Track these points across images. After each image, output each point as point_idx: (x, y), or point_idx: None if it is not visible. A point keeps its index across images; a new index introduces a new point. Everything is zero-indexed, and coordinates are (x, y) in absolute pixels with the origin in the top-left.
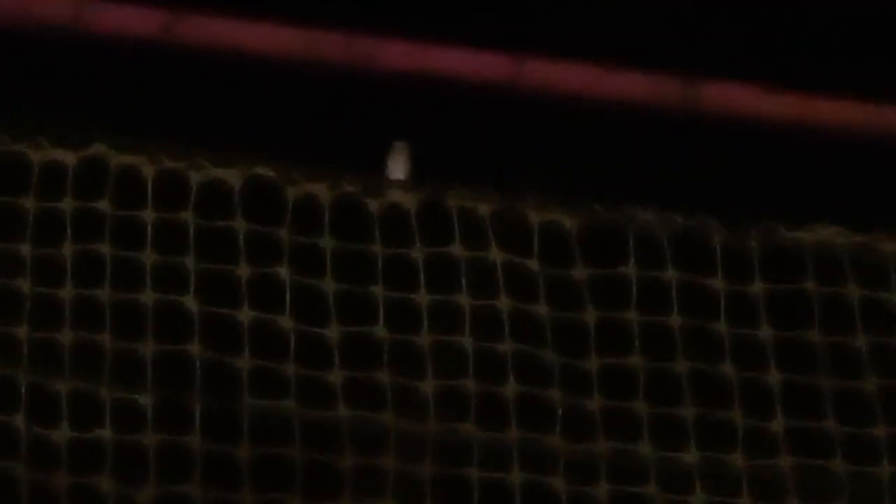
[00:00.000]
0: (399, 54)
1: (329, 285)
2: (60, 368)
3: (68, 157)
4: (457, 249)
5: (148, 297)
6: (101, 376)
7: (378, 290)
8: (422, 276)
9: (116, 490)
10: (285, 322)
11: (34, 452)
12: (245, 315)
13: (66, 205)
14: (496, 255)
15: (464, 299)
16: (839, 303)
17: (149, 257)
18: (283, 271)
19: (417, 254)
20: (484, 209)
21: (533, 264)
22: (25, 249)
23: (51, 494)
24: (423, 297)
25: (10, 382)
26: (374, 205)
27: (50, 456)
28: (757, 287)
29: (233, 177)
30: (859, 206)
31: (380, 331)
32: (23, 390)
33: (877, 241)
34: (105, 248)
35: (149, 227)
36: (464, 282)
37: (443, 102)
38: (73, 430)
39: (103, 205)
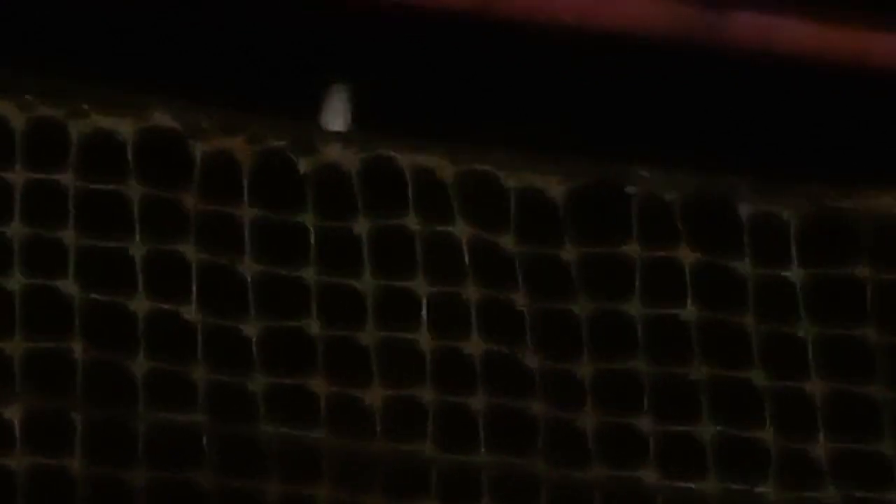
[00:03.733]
0: None
1: (249, 268)
2: None
3: None
4: (411, 222)
5: (16, 282)
6: None
7: (311, 275)
8: (366, 256)
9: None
10: (192, 315)
11: None
12: (140, 306)
13: None
14: (461, 230)
15: (420, 286)
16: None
17: (16, 231)
18: (190, 249)
19: (360, 228)
20: (446, 170)
21: (508, 241)
22: None
23: None
24: (367, 283)
25: None
26: (305, 164)
27: None
28: (795, 272)
29: (124, 127)
30: None
31: (313, 326)
32: None
33: None
34: None
35: (16, 191)
36: (420, 264)
37: (393, 33)
38: None
39: None
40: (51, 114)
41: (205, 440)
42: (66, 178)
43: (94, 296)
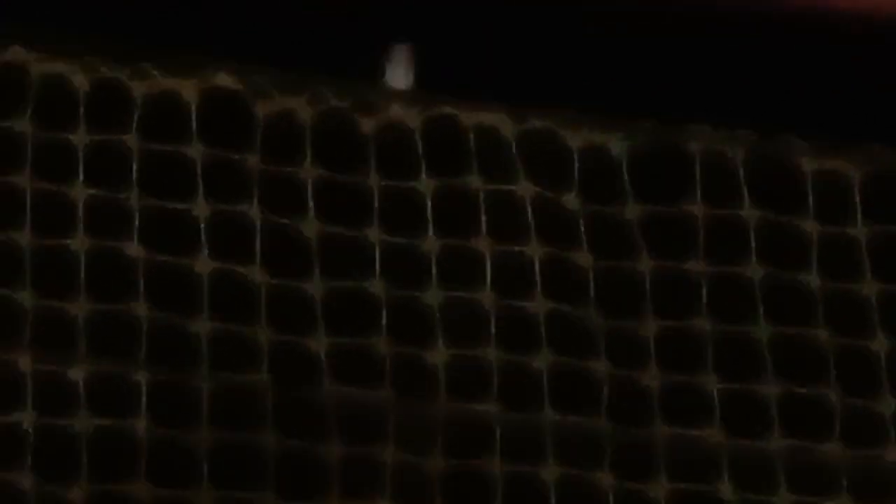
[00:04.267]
0: None
1: (311, 228)
2: None
3: None
4: (474, 181)
5: (80, 243)
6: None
7: (374, 234)
8: (429, 216)
9: None
10: (256, 275)
11: None
12: (203, 266)
13: None
14: (525, 188)
15: (484, 245)
16: None
17: (80, 191)
18: (253, 210)
19: (423, 187)
20: (509, 129)
21: (572, 201)
22: None
23: None
24: (431, 243)
25: None
26: (367, 124)
27: None
28: (859, 229)
29: (187, 89)
30: None
31: (376, 286)
32: None
33: None
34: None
35: (80, 152)
36: (483, 222)
37: None
38: None
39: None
40: (115, 75)
41: (268, 401)
42: (130, 140)
43: (158, 257)
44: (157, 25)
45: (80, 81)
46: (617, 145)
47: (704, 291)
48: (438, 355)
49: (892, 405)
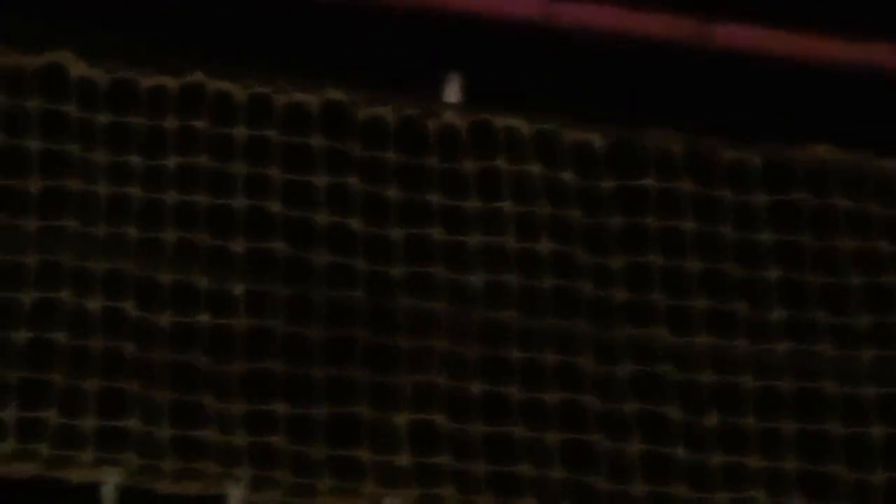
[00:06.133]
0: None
1: (394, 193)
2: (163, 261)
3: (171, 83)
4: (502, 163)
5: (241, 202)
6: (199, 268)
7: (435, 198)
8: (472, 186)
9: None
10: (356, 224)
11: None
12: (323, 218)
13: (170, 123)
14: (535, 168)
15: (508, 206)
16: (828, 210)
17: (239, 169)
18: (355, 181)
19: (467, 168)
20: (525, 129)
21: (567, 176)
22: (134, 161)
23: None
24: (473, 204)
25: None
26: (432, 124)
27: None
28: (759, 197)
29: (313, 100)
30: (851, 129)
31: (436, 232)
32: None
33: (865, 159)
34: (203, 160)
35: (239, 143)
36: (508, 191)
37: (490, 38)
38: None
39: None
40: (262, 90)
41: None
42: (272, 134)
43: (291, 212)
44: (287, 53)
45: (240, 95)
46: (597, 140)
47: (655, 241)
48: None
49: None
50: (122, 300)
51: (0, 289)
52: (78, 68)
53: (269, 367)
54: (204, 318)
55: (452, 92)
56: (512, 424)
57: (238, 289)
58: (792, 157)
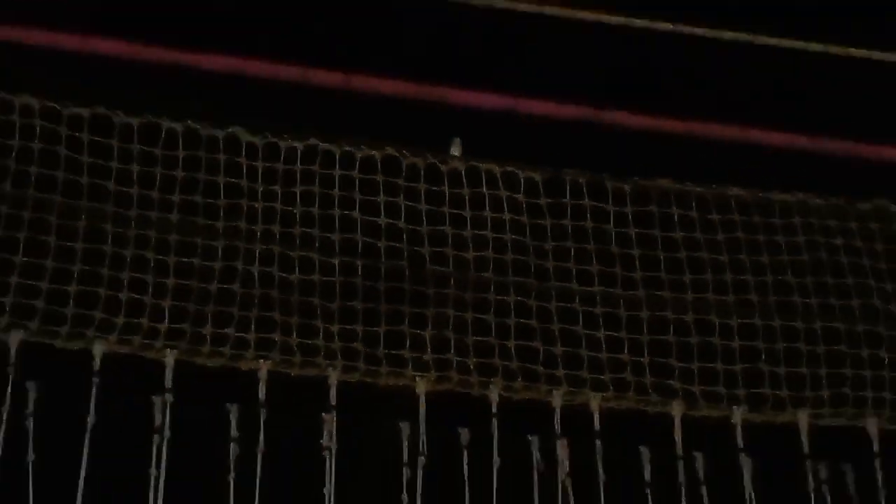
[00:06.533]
0: (459, 97)
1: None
2: None
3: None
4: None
5: None
6: None
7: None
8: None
9: None
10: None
11: None
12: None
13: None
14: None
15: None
16: None
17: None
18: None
19: (465, 194)
20: (527, 174)
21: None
22: None
23: None
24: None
25: None
26: (442, 168)
27: None
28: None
29: (351, 158)
30: None
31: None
32: None
33: None
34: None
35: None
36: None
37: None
38: None
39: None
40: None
41: None
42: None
43: None
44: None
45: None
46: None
47: None
48: None
49: None
50: None
51: None
52: None
53: None
54: None
55: (456, 149)
56: None
57: None
58: None
